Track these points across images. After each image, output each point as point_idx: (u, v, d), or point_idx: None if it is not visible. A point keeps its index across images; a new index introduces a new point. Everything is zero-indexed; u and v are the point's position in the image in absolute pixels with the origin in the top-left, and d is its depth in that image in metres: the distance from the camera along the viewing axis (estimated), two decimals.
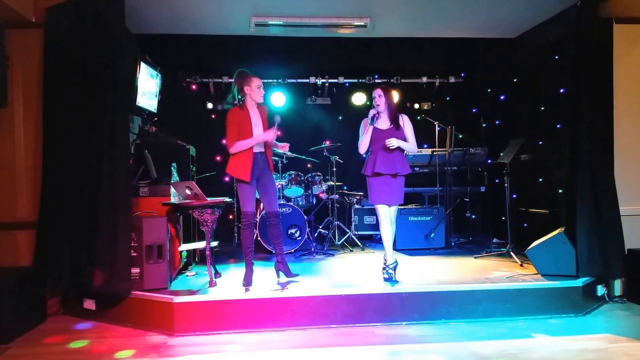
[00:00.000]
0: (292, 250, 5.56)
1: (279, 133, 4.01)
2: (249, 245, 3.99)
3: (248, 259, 3.99)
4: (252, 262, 4.03)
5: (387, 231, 4.05)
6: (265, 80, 7.07)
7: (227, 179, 6.98)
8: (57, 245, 3.83)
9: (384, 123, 4.14)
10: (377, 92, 4.11)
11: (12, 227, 4.10)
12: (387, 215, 4.06)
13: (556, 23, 5.02)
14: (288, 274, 4.13)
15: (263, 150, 4.03)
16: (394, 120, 4.10)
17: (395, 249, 5.10)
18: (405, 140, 4.10)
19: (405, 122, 4.13)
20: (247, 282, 3.93)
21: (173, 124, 6.39)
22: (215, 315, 3.58)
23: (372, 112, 4.09)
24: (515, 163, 5.18)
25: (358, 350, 3.23)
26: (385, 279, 4.05)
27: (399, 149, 4.08)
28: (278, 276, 4.14)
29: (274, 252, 4.31)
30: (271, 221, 4.07)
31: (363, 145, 4.10)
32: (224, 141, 4.08)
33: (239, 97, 4.00)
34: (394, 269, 4.08)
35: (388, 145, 3.97)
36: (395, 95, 7.08)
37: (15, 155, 4.14)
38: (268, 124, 4.05)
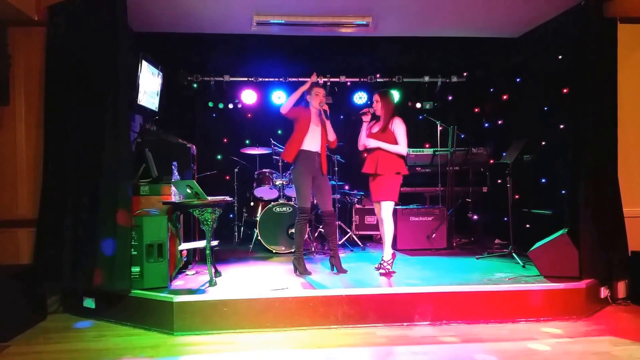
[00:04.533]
0: (293, 250, 5.52)
1: (325, 108, 4.32)
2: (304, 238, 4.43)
3: (301, 251, 4.40)
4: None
5: (380, 227, 4.46)
6: (267, 79, 7.07)
7: (227, 177, 6.97)
8: (58, 243, 3.81)
9: (377, 127, 4.43)
10: (375, 98, 4.47)
11: (13, 225, 4.08)
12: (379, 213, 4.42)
13: (560, 22, 4.98)
14: (340, 269, 4.38)
15: (319, 150, 4.36)
16: (385, 124, 4.37)
17: (396, 249, 5.07)
18: (395, 142, 4.31)
19: (396, 125, 4.36)
20: (305, 270, 4.32)
21: (174, 122, 6.38)
22: (215, 314, 3.56)
23: (364, 109, 4.48)
24: (517, 163, 5.15)
25: (359, 351, 3.21)
26: (376, 268, 4.44)
27: (383, 149, 4.31)
28: (332, 269, 4.44)
29: (328, 247, 4.70)
30: (326, 220, 4.44)
31: (359, 142, 4.50)
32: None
33: (306, 99, 4.46)
34: (385, 261, 4.35)
35: (366, 145, 4.38)
36: (394, 98, 7.11)
37: (16, 153, 4.12)
38: (326, 131, 4.41)
